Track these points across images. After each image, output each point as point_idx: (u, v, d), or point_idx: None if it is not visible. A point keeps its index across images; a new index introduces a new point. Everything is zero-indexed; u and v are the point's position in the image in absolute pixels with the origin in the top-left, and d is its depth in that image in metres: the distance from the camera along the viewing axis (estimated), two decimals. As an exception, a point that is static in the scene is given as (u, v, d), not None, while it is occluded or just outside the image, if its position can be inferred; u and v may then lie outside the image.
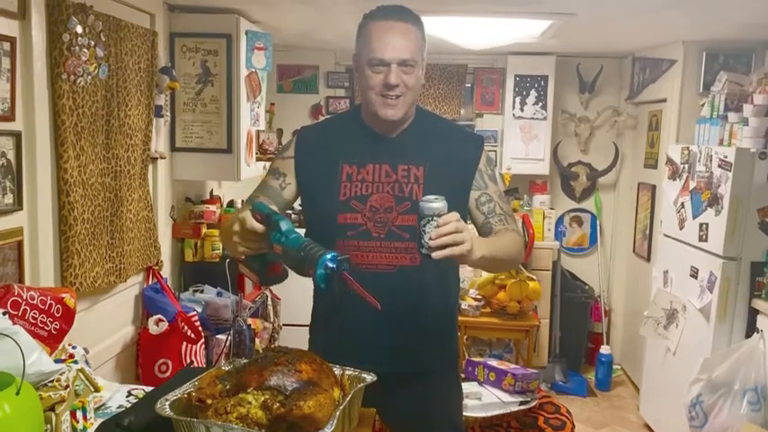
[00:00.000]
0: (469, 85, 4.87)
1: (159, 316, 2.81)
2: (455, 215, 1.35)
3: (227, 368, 1.45)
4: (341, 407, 1.28)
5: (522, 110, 4.61)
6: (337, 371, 1.44)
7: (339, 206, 1.61)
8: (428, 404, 1.70)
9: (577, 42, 4.12)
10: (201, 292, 3.23)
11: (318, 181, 1.65)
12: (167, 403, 1.26)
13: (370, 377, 1.43)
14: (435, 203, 1.34)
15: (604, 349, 4.48)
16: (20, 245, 2.03)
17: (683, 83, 3.80)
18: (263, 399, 1.25)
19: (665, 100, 4.04)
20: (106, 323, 2.65)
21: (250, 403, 1.24)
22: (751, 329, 2.94)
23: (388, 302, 1.61)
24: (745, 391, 2.78)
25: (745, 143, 3.10)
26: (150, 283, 2.97)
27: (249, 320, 3.30)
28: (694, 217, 3.27)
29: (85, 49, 2.24)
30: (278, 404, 1.22)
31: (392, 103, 1.59)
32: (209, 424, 1.20)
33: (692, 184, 3.31)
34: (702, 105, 3.62)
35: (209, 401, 1.27)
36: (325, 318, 1.74)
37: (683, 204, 3.41)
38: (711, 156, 3.12)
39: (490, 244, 1.52)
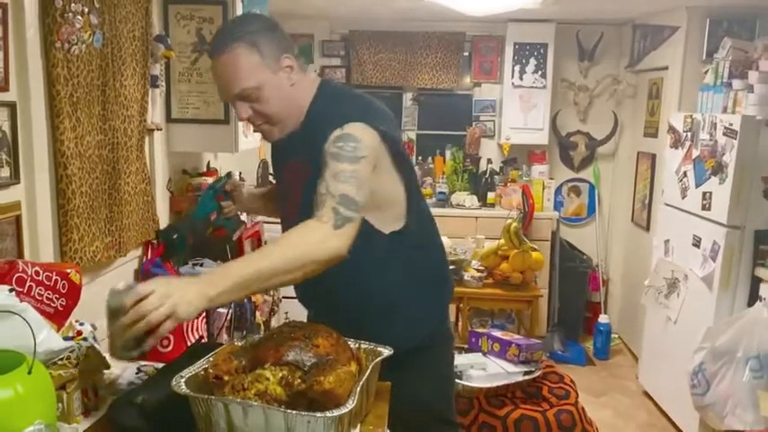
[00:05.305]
0: (467, 53, 4.80)
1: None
2: (135, 292, 1.17)
3: (240, 344, 1.42)
4: (360, 382, 1.25)
5: (521, 78, 4.55)
6: (353, 344, 1.42)
7: (283, 206, 1.73)
8: (397, 389, 1.52)
9: (577, 9, 4.05)
10: (201, 265, 3.19)
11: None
12: (183, 380, 1.23)
13: (387, 351, 1.41)
14: (113, 299, 1.18)
15: (602, 318, 4.50)
16: (18, 219, 1.97)
17: (686, 50, 3.76)
18: (280, 375, 1.22)
19: (666, 68, 4.00)
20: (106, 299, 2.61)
21: (268, 379, 1.22)
22: (754, 298, 2.95)
23: (317, 297, 1.71)
24: (747, 359, 2.80)
25: (751, 110, 3.07)
26: (149, 256, 2.92)
27: (249, 293, 3.27)
28: (697, 186, 3.25)
29: (79, 16, 2.15)
30: (299, 380, 1.19)
31: (265, 130, 1.58)
32: (228, 401, 1.17)
33: (695, 153, 3.28)
34: (705, 73, 3.58)
35: (226, 378, 1.24)
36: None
37: (685, 173, 3.38)
38: (716, 124, 3.09)
39: (245, 266, 1.28)
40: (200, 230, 1.92)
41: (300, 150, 1.53)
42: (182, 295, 1.17)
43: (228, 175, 1.99)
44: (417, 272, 1.68)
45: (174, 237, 1.96)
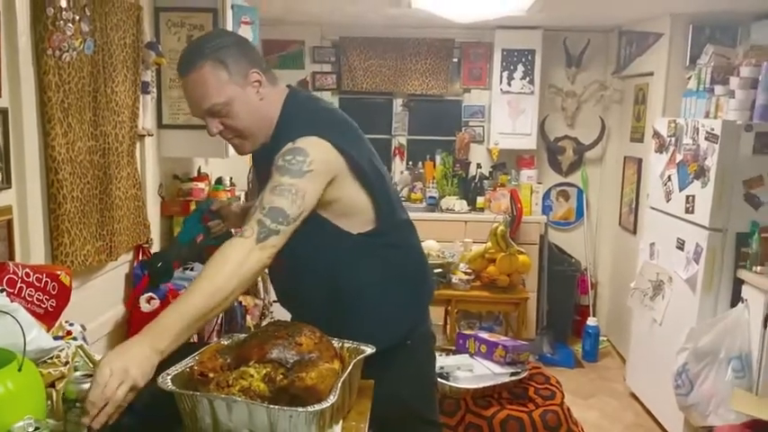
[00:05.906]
0: (456, 59, 4.85)
1: (150, 294, 2.80)
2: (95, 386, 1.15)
3: (226, 342, 1.46)
4: (342, 378, 1.29)
5: (509, 84, 4.61)
6: (336, 343, 1.46)
7: None
8: (376, 387, 1.54)
9: (564, 16, 4.11)
10: (192, 269, 3.22)
11: None
12: (169, 378, 1.27)
13: (369, 349, 1.45)
14: (70, 390, 1.21)
15: (591, 321, 4.55)
16: (9, 224, 2.00)
17: (670, 56, 3.82)
18: (264, 371, 1.26)
19: (651, 73, 4.06)
20: (97, 302, 2.63)
21: (252, 376, 1.25)
22: (736, 299, 3.00)
23: (292, 299, 1.76)
24: (730, 360, 2.85)
25: (732, 115, 3.13)
26: (140, 261, 2.95)
27: (240, 297, 3.30)
28: (681, 189, 3.30)
29: (70, 24, 2.19)
30: (281, 376, 1.23)
31: (236, 144, 1.61)
32: (212, 397, 1.21)
33: (678, 157, 3.34)
34: (689, 78, 3.64)
35: (211, 375, 1.28)
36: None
37: (669, 177, 3.44)
38: (698, 128, 3.14)
39: (182, 310, 1.29)
40: (187, 255, 1.91)
41: (269, 163, 1.51)
42: (137, 364, 1.19)
43: (209, 199, 2.05)
44: (392, 272, 1.68)
45: (159, 265, 1.97)
